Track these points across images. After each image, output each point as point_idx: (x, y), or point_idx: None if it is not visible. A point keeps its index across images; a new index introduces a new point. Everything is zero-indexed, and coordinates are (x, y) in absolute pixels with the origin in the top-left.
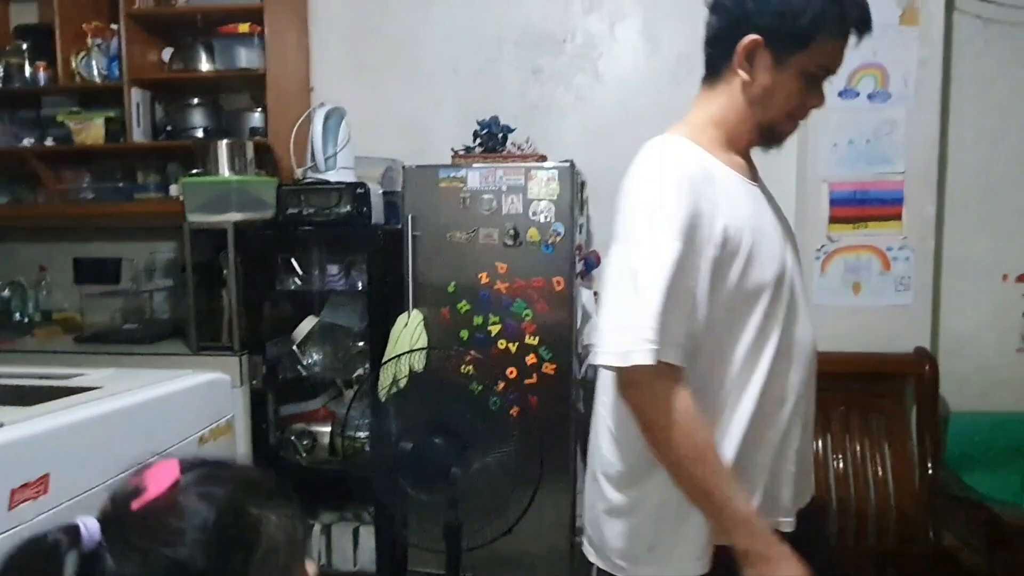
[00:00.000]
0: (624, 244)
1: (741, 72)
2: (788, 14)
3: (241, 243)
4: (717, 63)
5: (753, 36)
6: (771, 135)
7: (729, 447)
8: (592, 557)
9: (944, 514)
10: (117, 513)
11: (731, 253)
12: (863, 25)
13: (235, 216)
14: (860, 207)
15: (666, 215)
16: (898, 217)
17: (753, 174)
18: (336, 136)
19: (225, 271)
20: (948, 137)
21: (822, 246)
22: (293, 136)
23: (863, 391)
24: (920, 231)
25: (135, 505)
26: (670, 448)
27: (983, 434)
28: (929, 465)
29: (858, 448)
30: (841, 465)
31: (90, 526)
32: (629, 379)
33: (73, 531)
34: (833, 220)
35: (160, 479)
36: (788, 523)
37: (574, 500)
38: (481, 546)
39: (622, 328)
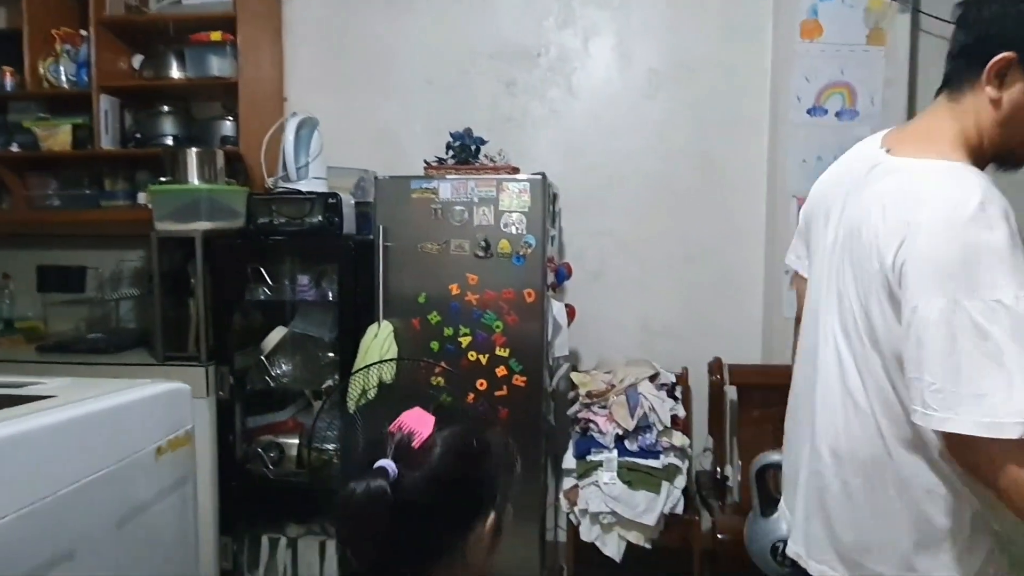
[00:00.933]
0: (958, 292)
1: (990, 90)
2: None
3: (210, 252)
4: (963, 77)
5: (1007, 53)
6: (1013, 158)
7: None
8: None
9: None
10: (404, 452)
11: None
12: None
13: (204, 225)
14: None
15: (1008, 266)
16: None
17: None
18: (308, 146)
19: (193, 280)
20: None
21: None
22: (265, 145)
23: None
24: None
25: (416, 444)
26: None
27: None
28: None
29: None
30: None
31: (390, 466)
32: (986, 449)
33: (382, 472)
34: None
35: (426, 424)
36: None
37: (544, 512)
38: None
39: (981, 396)
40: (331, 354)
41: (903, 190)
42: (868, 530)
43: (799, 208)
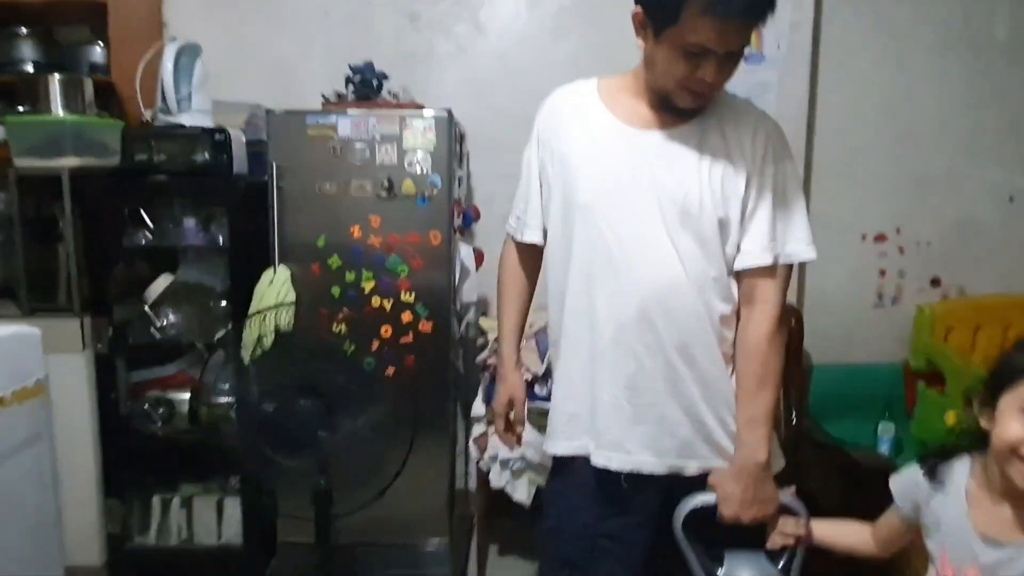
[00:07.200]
0: None
1: (638, 38)
2: None
3: (80, 192)
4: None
5: (637, 8)
6: (665, 100)
7: (555, 329)
8: None
9: (808, 460)
10: None
11: (558, 168)
12: (728, 6)
13: (72, 161)
14: None
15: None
16: None
17: (654, 121)
18: (191, 75)
19: (61, 223)
20: (816, 100)
21: None
22: (139, 73)
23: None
24: None
25: None
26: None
27: (842, 384)
28: (794, 415)
29: None
30: None
31: None
32: None
33: None
34: None
35: None
36: (611, 457)
37: (453, 461)
38: (353, 512)
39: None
40: (224, 303)
41: None
42: None
43: None
